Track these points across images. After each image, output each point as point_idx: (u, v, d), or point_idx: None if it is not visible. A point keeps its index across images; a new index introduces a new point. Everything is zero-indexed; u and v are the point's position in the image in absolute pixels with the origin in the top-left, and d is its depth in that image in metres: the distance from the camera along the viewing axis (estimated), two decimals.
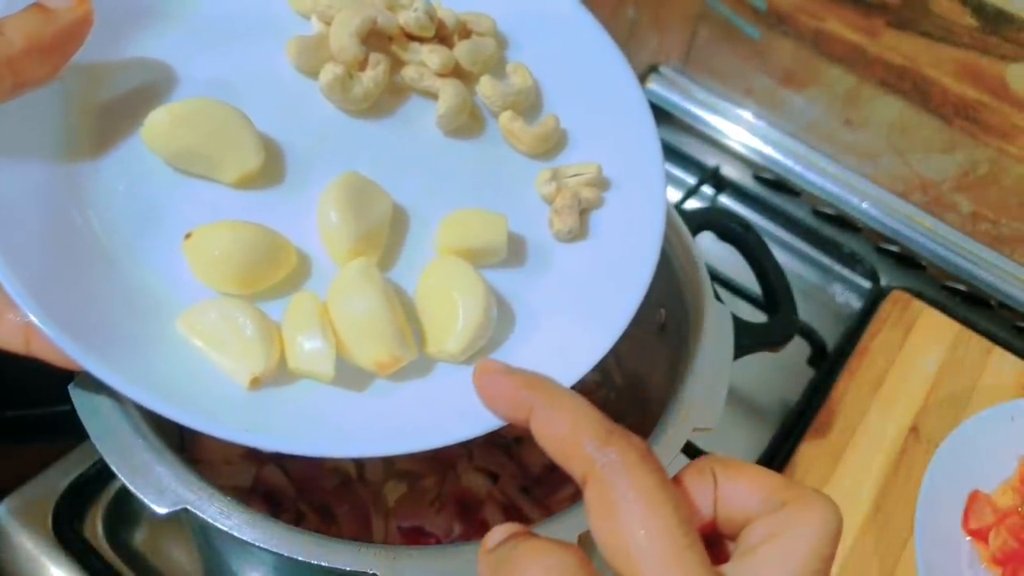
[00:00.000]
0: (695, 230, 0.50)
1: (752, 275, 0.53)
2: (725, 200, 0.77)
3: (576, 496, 0.30)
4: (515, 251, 0.36)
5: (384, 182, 0.35)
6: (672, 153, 0.78)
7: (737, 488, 0.26)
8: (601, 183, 0.38)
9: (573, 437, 0.25)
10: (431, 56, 0.37)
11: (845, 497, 0.56)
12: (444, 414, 0.31)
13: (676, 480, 0.26)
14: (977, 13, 0.61)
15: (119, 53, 0.34)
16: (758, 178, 0.78)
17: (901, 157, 0.72)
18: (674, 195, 0.74)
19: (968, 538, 0.53)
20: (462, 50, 0.38)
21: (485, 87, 0.38)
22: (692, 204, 0.73)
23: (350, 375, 0.32)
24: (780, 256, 0.56)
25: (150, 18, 0.36)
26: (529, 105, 0.39)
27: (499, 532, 0.26)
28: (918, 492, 0.52)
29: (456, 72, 0.38)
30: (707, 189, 0.76)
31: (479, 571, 0.26)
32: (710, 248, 0.59)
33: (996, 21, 0.60)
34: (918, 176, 0.72)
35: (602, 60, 0.40)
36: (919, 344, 0.64)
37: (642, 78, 0.81)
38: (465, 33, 0.39)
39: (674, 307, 0.46)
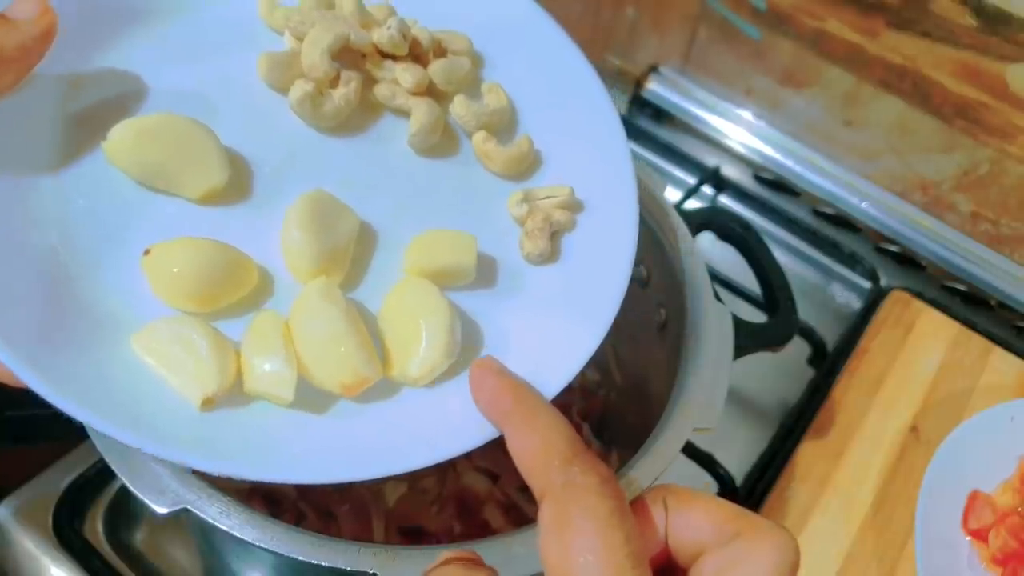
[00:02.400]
0: (695, 230, 0.50)
1: (752, 275, 0.53)
2: (725, 200, 0.77)
3: None
4: (486, 272, 0.35)
5: (352, 200, 0.34)
6: (672, 153, 0.78)
7: (689, 518, 0.25)
8: (574, 205, 0.37)
9: (542, 453, 0.26)
10: (404, 75, 0.36)
11: (845, 497, 0.56)
12: (404, 439, 0.31)
13: (633, 508, 0.26)
14: (977, 13, 0.61)
15: (86, 64, 0.34)
16: (758, 178, 0.78)
17: (901, 157, 0.72)
18: (674, 195, 0.74)
19: (968, 538, 0.53)
20: (436, 69, 0.38)
21: (458, 107, 0.37)
22: (692, 204, 0.73)
23: (310, 398, 0.31)
24: (780, 256, 0.56)
25: (121, 29, 0.35)
26: (503, 126, 0.39)
27: (442, 556, 0.27)
28: (918, 492, 0.52)
29: (430, 91, 0.38)
30: (707, 189, 0.76)
31: None
32: (710, 248, 0.59)
33: (996, 21, 0.60)
34: (918, 176, 0.72)
35: (578, 81, 0.40)
36: (919, 344, 0.64)
37: (642, 78, 0.81)
38: (440, 52, 0.39)
39: (674, 307, 0.46)
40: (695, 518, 0.25)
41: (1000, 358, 0.64)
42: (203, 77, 0.36)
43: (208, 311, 0.31)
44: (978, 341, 0.64)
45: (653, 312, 0.49)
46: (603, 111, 0.39)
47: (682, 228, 0.47)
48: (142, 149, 0.32)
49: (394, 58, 0.37)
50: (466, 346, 0.33)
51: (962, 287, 0.72)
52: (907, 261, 0.73)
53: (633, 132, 0.78)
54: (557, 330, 0.34)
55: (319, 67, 0.35)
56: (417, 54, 0.38)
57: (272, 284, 0.33)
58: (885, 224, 0.74)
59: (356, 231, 0.34)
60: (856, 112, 0.72)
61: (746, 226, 0.54)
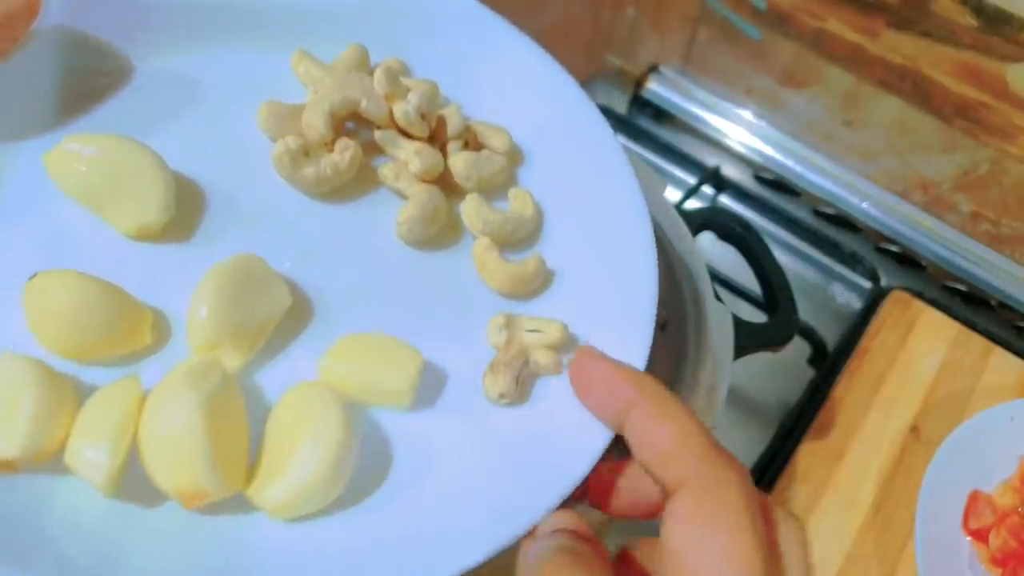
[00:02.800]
0: (695, 230, 0.50)
1: (752, 275, 0.53)
2: (725, 200, 0.77)
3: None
4: (447, 395, 0.30)
5: (304, 276, 0.31)
6: (672, 153, 0.78)
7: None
8: (564, 345, 0.31)
9: (679, 442, 0.25)
10: (414, 158, 0.33)
11: (845, 497, 0.56)
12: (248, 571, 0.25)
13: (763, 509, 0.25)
14: (977, 13, 0.61)
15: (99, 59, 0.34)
16: (758, 178, 0.78)
17: (901, 157, 0.72)
18: (674, 195, 0.74)
19: (968, 538, 0.53)
20: (458, 161, 0.34)
21: (468, 207, 0.33)
22: (692, 204, 0.73)
23: (143, 494, 0.26)
24: (780, 256, 0.56)
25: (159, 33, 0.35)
26: (520, 237, 0.34)
27: (551, 523, 0.26)
28: (918, 492, 0.52)
29: (446, 181, 0.34)
30: (707, 189, 0.76)
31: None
32: (710, 248, 0.59)
33: (996, 21, 0.60)
34: (918, 176, 0.72)
35: (623, 204, 0.34)
36: (919, 344, 0.64)
37: (642, 78, 0.81)
38: (475, 143, 0.35)
39: (674, 307, 0.46)
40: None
41: (1000, 358, 0.64)
42: (206, 114, 0.34)
43: (82, 360, 0.27)
44: (978, 341, 0.64)
45: None
46: (641, 247, 0.33)
47: (682, 228, 0.47)
48: (80, 167, 0.29)
49: (410, 136, 0.34)
50: (393, 480, 0.28)
51: (962, 287, 0.71)
52: (907, 261, 0.73)
53: (633, 132, 0.78)
54: (506, 484, 0.28)
55: (315, 128, 0.32)
56: (438, 136, 0.34)
57: (167, 344, 0.29)
58: (885, 224, 0.74)
59: (282, 311, 0.29)
60: (856, 112, 0.72)
61: (746, 226, 0.54)
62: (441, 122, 0.34)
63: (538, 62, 0.37)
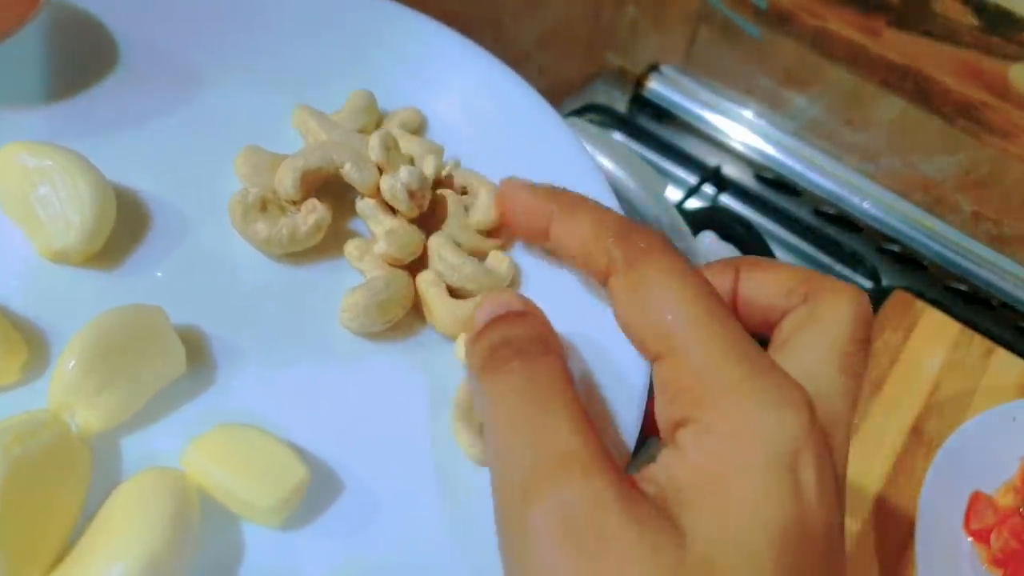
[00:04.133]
0: (696, 229, 0.50)
1: None
2: (726, 200, 0.77)
3: None
4: (337, 514, 0.25)
5: (224, 341, 0.27)
6: (673, 152, 0.78)
7: (760, 281, 0.25)
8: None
9: (594, 235, 0.24)
10: (382, 239, 0.29)
11: (846, 498, 0.56)
12: None
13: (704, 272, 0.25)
14: (979, 13, 0.61)
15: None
16: (759, 177, 0.78)
17: (902, 157, 0.72)
18: (675, 194, 0.74)
19: (969, 539, 0.53)
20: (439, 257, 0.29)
21: (434, 245, 0.30)
22: (693, 203, 0.73)
23: None
24: (781, 256, 0.56)
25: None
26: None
27: (485, 311, 0.24)
28: (919, 493, 0.52)
29: (412, 267, 0.30)
30: (708, 188, 0.76)
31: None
32: (711, 247, 0.59)
33: (998, 21, 0.60)
34: (920, 176, 0.72)
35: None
36: (920, 344, 0.64)
37: (643, 77, 0.81)
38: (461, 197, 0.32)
39: None
40: (766, 281, 0.25)
41: (1002, 359, 0.63)
42: (192, 139, 0.31)
43: None
44: (980, 342, 0.64)
45: None
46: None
47: (683, 228, 0.47)
48: (12, 176, 0.27)
49: (394, 212, 0.30)
50: None
51: (964, 287, 0.71)
52: (909, 261, 0.73)
53: (634, 131, 0.78)
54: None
55: (283, 185, 0.29)
56: (438, 213, 0.31)
57: (32, 384, 0.25)
58: (887, 224, 0.74)
59: (171, 379, 0.25)
60: (857, 111, 0.72)
61: (747, 225, 0.54)
62: (440, 202, 0.31)
63: (533, 105, 0.34)
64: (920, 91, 0.67)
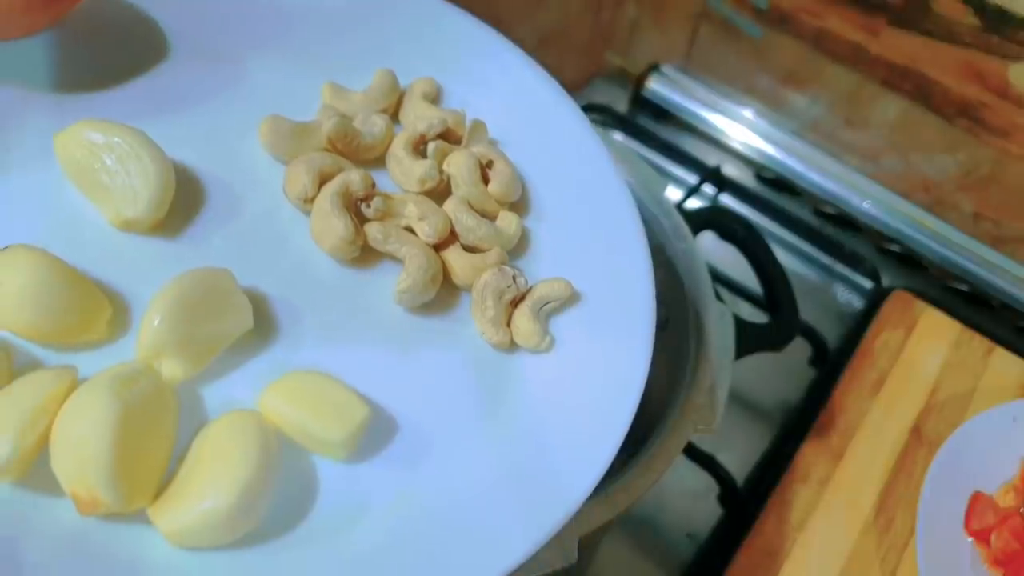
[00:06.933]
0: (696, 230, 0.50)
1: (753, 275, 0.53)
2: (726, 199, 0.77)
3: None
4: (396, 448, 0.28)
5: (281, 299, 0.30)
6: (673, 152, 0.78)
7: None
8: (572, 299, 0.32)
9: None
10: (426, 226, 0.31)
11: (846, 498, 0.56)
12: None
13: None
14: (979, 12, 0.61)
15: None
16: (759, 177, 0.78)
17: (903, 157, 0.72)
18: (675, 194, 0.74)
19: (970, 539, 0.53)
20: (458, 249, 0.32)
21: (451, 210, 0.33)
22: (693, 203, 0.73)
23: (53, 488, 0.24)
24: (781, 256, 0.56)
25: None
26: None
27: None
28: (920, 493, 0.52)
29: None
30: (708, 188, 0.76)
31: None
32: (711, 248, 0.59)
33: (998, 20, 0.60)
34: (920, 176, 0.72)
35: (619, 227, 0.34)
36: (921, 344, 0.63)
37: (643, 77, 0.81)
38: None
39: (675, 307, 0.46)
40: None
41: (1002, 358, 0.63)
42: (236, 114, 0.34)
43: (32, 342, 0.27)
44: (980, 341, 0.64)
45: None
46: (634, 253, 0.33)
47: (683, 228, 0.47)
48: (81, 153, 0.29)
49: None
50: (317, 528, 0.26)
51: (964, 287, 0.71)
52: (909, 261, 0.73)
53: (634, 131, 0.78)
54: (433, 552, 0.27)
55: (300, 185, 0.32)
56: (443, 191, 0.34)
57: (120, 340, 0.28)
58: (887, 224, 0.73)
59: (240, 332, 0.28)
60: (858, 111, 0.72)
61: (747, 226, 0.54)
62: (452, 162, 0.33)
63: (547, 90, 0.38)
64: (920, 91, 0.67)
